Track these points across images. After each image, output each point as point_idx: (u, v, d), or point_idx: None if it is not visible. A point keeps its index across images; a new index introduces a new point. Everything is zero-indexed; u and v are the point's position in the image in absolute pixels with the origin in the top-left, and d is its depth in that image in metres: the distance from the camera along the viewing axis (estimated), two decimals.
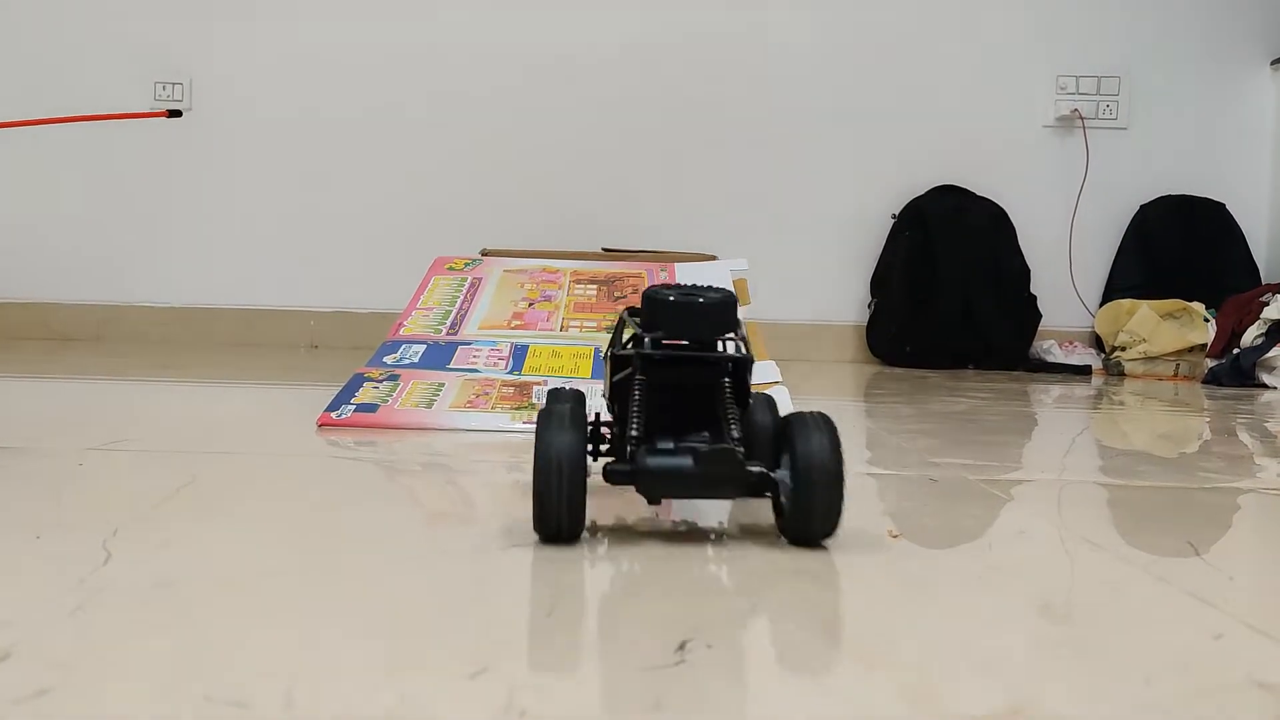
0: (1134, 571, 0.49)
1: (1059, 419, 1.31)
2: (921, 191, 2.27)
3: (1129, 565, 0.51)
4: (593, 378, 1.05)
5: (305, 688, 0.32)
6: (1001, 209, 2.25)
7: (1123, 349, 2.08)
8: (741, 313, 1.20)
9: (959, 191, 2.27)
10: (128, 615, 0.38)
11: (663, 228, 2.23)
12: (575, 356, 1.10)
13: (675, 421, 0.52)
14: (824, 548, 0.50)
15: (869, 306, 2.28)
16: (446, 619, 0.39)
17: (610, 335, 0.58)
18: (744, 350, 0.54)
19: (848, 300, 2.31)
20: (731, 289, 1.22)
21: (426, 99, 2.30)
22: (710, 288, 0.55)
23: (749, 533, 0.56)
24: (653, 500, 0.51)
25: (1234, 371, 1.83)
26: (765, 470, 0.49)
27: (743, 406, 0.53)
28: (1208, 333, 2.01)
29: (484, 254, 1.51)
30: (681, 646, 0.36)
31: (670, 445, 0.49)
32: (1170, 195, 2.27)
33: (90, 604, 0.39)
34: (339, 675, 0.33)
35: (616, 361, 0.54)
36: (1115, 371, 2.07)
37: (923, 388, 1.64)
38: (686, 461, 0.48)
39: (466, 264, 1.31)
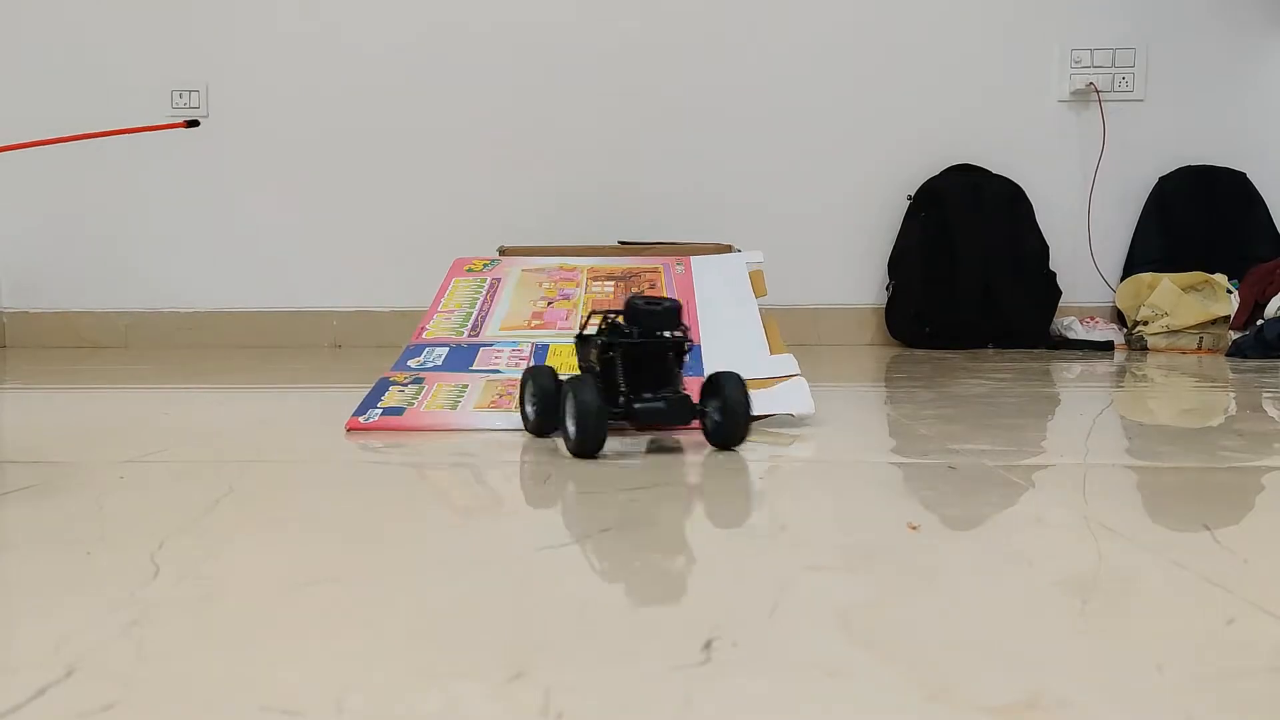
0: (1150, 557, 0.50)
1: (1080, 398, 1.31)
2: (937, 171, 2.26)
3: (1145, 551, 0.51)
4: None
5: (353, 695, 0.34)
6: (1018, 186, 2.24)
7: (1145, 323, 2.07)
8: (758, 303, 1.22)
9: (975, 170, 2.26)
10: (180, 628, 0.40)
11: (679, 217, 2.24)
12: None
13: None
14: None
15: (887, 288, 2.28)
16: (482, 622, 0.41)
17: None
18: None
19: (866, 282, 2.31)
20: (748, 281, 1.23)
21: (440, 98, 2.32)
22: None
23: (770, 530, 0.57)
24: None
25: (1258, 343, 1.82)
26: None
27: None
28: (1231, 304, 1.99)
29: (501, 252, 1.52)
30: (707, 645, 0.37)
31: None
32: (1189, 166, 2.25)
33: (144, 618, 0.41)
34: (384, 682, 0.35)
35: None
36: (1138, 346, 2.06)
37: (943, 370, 1.65)
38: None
39: (485, 265, 1.33)
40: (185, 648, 0.38)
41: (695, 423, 0.82)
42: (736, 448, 0.83)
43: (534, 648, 0.38)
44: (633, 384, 0.81)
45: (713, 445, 0.83)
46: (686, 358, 0.84)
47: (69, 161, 2.35)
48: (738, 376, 0.81)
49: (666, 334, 0.82)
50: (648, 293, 1.27)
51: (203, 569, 0.49)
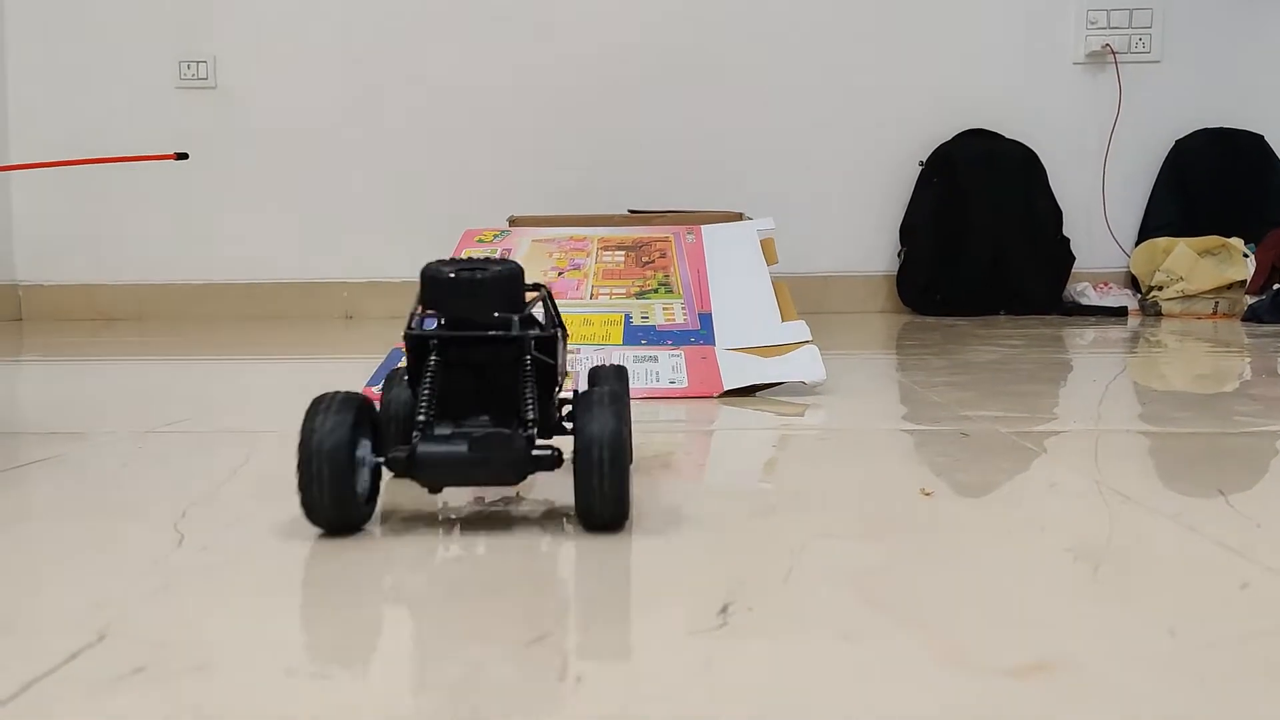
0: (1163, 521, 0.50)
1: (1093, 364, 1.31)
2: (949, 137, 2.24)
3: (1159, 515, 0.52)
4: (624, 344, 1.06)
5: (380, 659, 0.34)
6: (1032, 151, 2.21)
7: (1159, 288, 2.05)
8: (769, 270, 1.22)
9: (988, 135, 2.23)
10: (206, 594, 0.41)
11: (689, 184, 2.23)
12: (606, 324, 1.12)
13: (471, 405, 0.50)
14: (624, 532, 0.48)
15: (899, 255, 2.27)
16: (501, 589, 0.42)
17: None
18: (549, 326, 0.52)
19: (877, 249, 2.30)
20: (760, 249, 1.23)
21: (451, 66, 2.30)
22: (493, 261, 0.50)
23: (783, 496, 0.57)
24: (433, 490, 0.49)
25: (1274, 308, 1.81)
26: (557, 451, 0.47)
27: (550, 384, 0.52)
28: (1247, 269, 1.97)
29: (511, 222, 1.52)
30: (724, 610, 0.38)
31: (448, 431, 0.48)
32: (1206, 129, 2.22)
33: (172, 584, 0.42)
34: (410, 646, 0.36)
35: (409, 342, 0.51)
36: (1152, 312, 2.05)
37: (954, 337, 1.64)
38: (460, 447, 0.46)
39: (495, 236, 1.33)
40: (212, 613, 0.39)
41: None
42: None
43: (552, 615, 0.39)
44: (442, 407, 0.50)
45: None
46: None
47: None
48: (610, 393, 0.48)
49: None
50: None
51: (226, 537, 0.50)
